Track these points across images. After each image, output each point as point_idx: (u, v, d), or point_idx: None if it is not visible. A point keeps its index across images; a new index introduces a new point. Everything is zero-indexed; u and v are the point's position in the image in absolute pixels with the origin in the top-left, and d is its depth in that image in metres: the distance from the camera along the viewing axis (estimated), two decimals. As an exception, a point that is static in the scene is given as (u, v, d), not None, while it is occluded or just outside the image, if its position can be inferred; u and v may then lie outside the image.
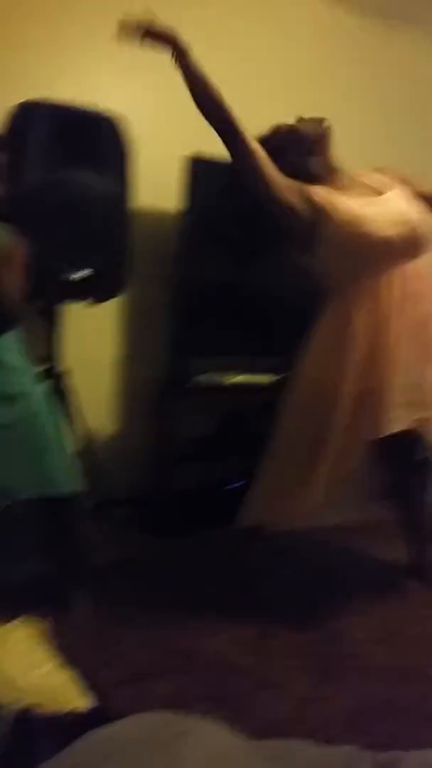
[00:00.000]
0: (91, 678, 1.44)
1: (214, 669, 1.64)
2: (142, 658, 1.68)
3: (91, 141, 2.24)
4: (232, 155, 1.80)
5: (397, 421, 1.80)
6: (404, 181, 1.99)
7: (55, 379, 2.37)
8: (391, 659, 1.72)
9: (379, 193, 1.92)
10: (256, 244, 2.78)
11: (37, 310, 2.40)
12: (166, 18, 1.75)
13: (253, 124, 1.86)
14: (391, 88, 3.33)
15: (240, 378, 2.75)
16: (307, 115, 1.96)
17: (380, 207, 1.86)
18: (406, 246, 1.83)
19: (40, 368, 2.35)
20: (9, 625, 1.43)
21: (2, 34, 2.44)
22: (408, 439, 1.90)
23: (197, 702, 1.48)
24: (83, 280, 2.24)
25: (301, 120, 1.95)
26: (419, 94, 3.41)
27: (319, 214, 1.81)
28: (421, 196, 1.96)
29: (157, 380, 2.78)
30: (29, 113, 2.14)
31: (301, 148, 1.90)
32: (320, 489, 1.87)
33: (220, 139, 1.79)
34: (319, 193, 1.84)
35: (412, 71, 3.38)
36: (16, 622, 1.44)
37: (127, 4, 2.60)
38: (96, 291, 2.35)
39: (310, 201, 1.82)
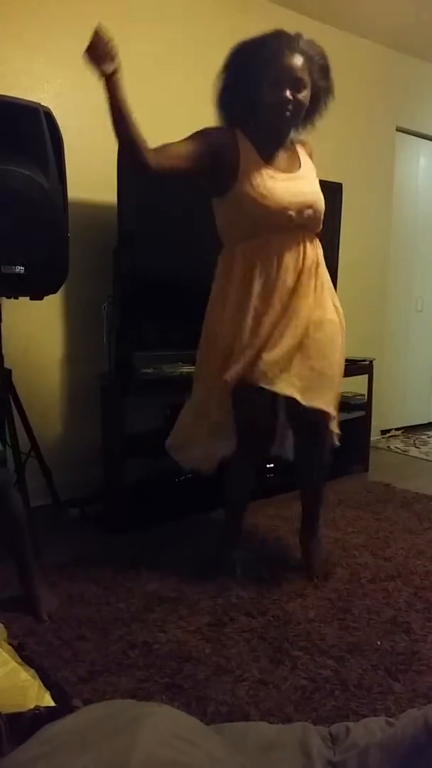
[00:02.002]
0: (51, 677, 1.46)
1: (173, 659, 1.68)
2: (102, 654, 1.70)
3: (21, 133, 2.19)
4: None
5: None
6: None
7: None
8: (341, 636, 1.80)
9: (299, 165, 1.99)
10: (194, 233, 2.81)
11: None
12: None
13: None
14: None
15: (184, 370, 2.77)
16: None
17: (290, 182, 1.95)
18: (299, 218, 1.93)
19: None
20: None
21: None
22: (308, 412, 1.96)
23: (158, 693, 1.52)
24: (18, 275, 2.21)
25: (309, 43, 1.85)
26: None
27: (234, 178, 1.90)
28: None
29: (101, 375, 2.78)
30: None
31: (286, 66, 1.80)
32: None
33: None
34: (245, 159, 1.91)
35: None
36: (-28, 627, 1.44)
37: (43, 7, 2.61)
38: (33, 286, 2.32)
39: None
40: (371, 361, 3.38)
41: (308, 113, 1.94)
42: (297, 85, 1.82)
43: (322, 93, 1.92)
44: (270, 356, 1.93)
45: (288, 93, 1.81)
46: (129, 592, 2.05)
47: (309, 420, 2.00)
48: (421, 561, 2.30)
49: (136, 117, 1.78)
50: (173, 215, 2.73)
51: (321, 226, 2.04)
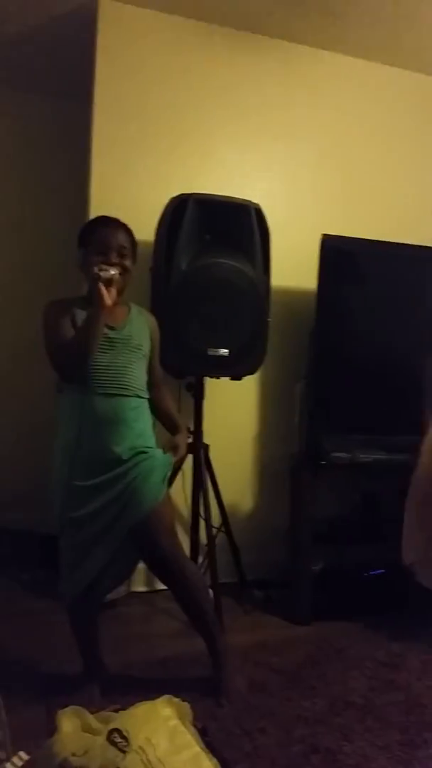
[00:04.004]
0: (231, 769, 1.42)
1: (358, 775, 1.54)
2: (283, 754, 1.61)
3: (233, 228, 2.39)
4: None
5: None
6: None
7: (198, 451, 2.46)
8: None
9: None
10: (394, 320, 2.77)
11: (184, 384, 2.54)
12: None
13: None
14: None
15: (378, 456, 2.67)
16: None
17: None
18: None
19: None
20: (156, 702, 1.44)
21: (155, 143, 2.75)
22: None
23: None
24: (222, 357, 2.34)
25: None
26: None
27: None
28: None
29: (291, 456, 2.78)
30: (181, 205, 2.34)
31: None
32: None
33: None
34: None
35: None
36: (162, 700, 1.46)
37: (258, 110, 2.87)
38: (234, 368, 2.44)
39: None
40: None
41: None
42: None
43: None
44: None
45: None
46: (312, 690, 1.94)
47: None
48: None
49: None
50: (372, 301, 2.74)
51: None
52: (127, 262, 1.87)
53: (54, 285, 2.42)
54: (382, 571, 2.57)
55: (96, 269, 1.73)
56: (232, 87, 2.86)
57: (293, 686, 1.96)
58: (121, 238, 1.87)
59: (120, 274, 1.79)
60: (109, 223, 1.89)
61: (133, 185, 2.69)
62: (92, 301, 1.74)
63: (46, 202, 3.46)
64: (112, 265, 1.80)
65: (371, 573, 2.58)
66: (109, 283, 1.74)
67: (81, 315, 1.79)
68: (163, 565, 1.86)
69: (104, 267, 1.75)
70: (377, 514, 2.80)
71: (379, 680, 2.00)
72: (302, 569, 2.52)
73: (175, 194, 2.39)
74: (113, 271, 1.76)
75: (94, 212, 2.51)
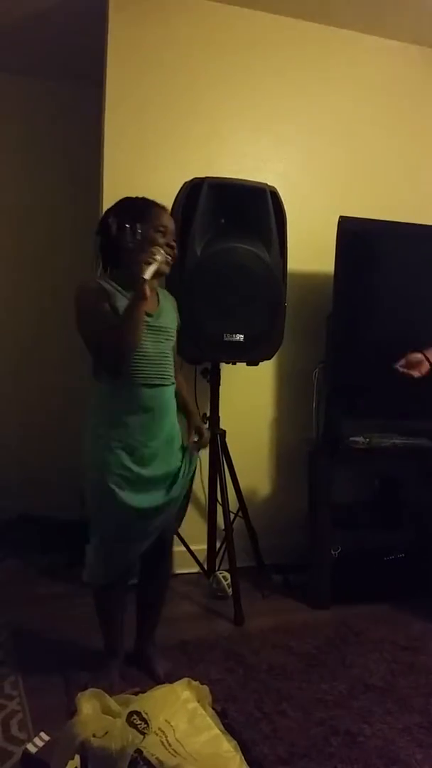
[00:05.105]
0: (250, 751, 1.42)
1: (378, 758, 1.53)
2: (303, 736, 1.62)
3: (248, 212, 2.36)
4: None
5: None
6: None
7: (214, 437, 2.45)
8: None
9: None
10: (413, 302, 2.72)
11: (200, 370, 2.53)
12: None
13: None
14: None
15: (395, 441, 2.64)
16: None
17: None
18: None
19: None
20: (175, 685, 1.45)
21: (168, 128, 2.71)
22: None
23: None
24: (238, 342, 2.33)
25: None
26: None
27: None
28: None
29: (308, 441, 2.77)
30: (195, 189, 2.31)
31: None
32: None
33: None
34: None
35: None
36: (180, 683, 1.46)
37: (273, 92, 2.83)
38: (251, 353, 2.42)
39: None
40: None
41: None
42: None
43: None
44: None
45: None
46: (332, 673, 1.94)
47: None
48: None
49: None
50: (390, 283, 2.69)
51: None
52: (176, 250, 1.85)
53: (64, 273, 2.42)
54: (402, 555, 2.56)
55: (144, 264, 1.66)
56: (246, 70, 2.81)
57: (312, 669, 1.96)
58: (173, 224, 1.86)
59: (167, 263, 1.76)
60: (163, 206, 1.87)
61: (147, 170, 2.65)
62: (134, 281, 1.67)
63: (55, 190, 3.42)
64: (172, 248, 1.79)
65: (390, 557, 2.56)
66: (158, 274, 1.72)
67: (120, 300, 1.72)
68: (161, 544, 1.89)
69: (150, 260, 1.68)
70: (395, 499, 2.78)
71: (399, 664, 2.00)
72: (321, 553, 2.51)
73: (189, 179, 2.37)
74: (166, 261, 1.73)
75: (106, 198, 2.50)
